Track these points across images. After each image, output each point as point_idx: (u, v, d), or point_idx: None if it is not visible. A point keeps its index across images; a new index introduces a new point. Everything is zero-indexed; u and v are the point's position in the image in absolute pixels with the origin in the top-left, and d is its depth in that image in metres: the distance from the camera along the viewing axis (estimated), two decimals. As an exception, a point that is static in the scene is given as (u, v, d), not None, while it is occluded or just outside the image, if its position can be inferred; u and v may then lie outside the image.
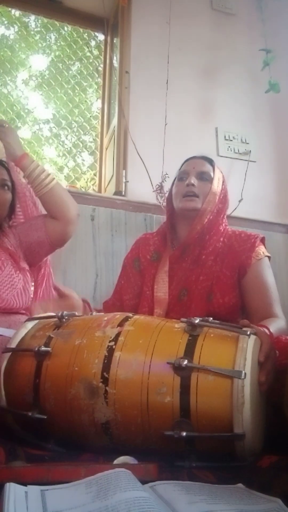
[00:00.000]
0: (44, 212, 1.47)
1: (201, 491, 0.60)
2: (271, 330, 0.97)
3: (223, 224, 1.34)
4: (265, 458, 0.73)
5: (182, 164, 1.40)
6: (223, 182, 1.37)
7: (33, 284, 1.42)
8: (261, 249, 1.28)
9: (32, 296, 1.42)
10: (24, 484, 0.56)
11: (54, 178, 1.41)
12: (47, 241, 1.43)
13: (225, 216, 1.36)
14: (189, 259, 1.29)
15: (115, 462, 0.68)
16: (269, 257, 1.30)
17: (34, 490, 0.55)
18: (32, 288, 1.44)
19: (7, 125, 1.43)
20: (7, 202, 1.42)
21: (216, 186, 1.33)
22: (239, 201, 2.29)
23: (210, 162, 1.38)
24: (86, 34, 3.17)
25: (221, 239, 1.31)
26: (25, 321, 0.95)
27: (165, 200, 2.04)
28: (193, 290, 1.26)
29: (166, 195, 1.52)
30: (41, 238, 1.41)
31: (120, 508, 0.48)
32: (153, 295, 1.30)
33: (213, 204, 1.31)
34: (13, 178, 1.45)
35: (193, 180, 1.31)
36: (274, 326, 1.06)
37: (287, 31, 2.71)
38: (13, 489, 0.54)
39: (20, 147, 1.43)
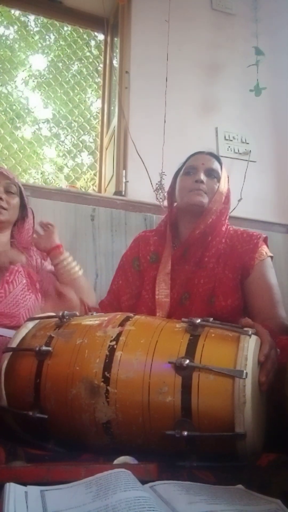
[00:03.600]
0: None
1: (201, 491, 0.60)
2: (273, 329, 0.96)
3: (226, 225, 1.31)
4: (264, 457, 0.73)
5: (188, 158, 1.36)
6: (228, 182, 1.34)
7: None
8: (264, 249, 1.26)
9: None
10: (24, 484, 0.56)
11: (80, 269, 1.48)
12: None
13: (228, 217, 1.34)
14: (192, 262, 1.26)
15: (115, 462, 0.68)
16: (271, 257, 1.28)
17: (34, 490, 0.55)
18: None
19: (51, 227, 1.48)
20: (15, 207, 1.42)
21: (223, 185, 1.30)
22: (239, 201, 2.29)
23: (218, 160, 1.35)
24: (86, 34, 3.17)
25: (223, 240, 1.28)
26: (25, 321, 0.94)
27: (164, 199, 2.05)
28: (195, 293, 1.23)
29: (166, 192, 1.49)
30: (50, 292, 1.42)
31: (120, 507, 0.48)
32: (154, 297, 1.27)
33: (219, 204, 1.27)
34: (21, 189, 1.46)
35: (202, 176, 1.27)
36: (276, 326, 1.06)
37: (280, 32, 2.71)
38: (13, 489, 0.54)
39: (56, 239, 1.48)
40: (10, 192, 1.39)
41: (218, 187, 1.28)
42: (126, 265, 1.40)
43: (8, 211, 1.38)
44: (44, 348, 0.81)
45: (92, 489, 0.54)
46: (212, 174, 1.30)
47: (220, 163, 1.34)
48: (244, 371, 0.71)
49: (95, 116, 3.12)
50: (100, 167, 2.64)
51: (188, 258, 1.28)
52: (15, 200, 1.41)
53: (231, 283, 1.22)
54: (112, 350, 0.78)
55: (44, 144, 3.54)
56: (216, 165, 1.32)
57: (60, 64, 3.39)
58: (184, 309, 1.23)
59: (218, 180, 1.29)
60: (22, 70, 3.59)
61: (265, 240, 1.30)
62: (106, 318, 0.87)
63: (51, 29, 3.41)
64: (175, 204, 1.36)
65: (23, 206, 1.46)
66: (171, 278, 1.27)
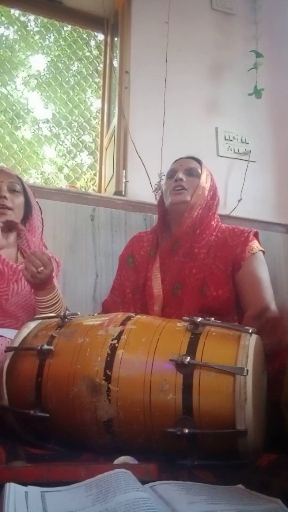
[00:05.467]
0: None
1: (201, 491, 0.60)
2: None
3: (215, 220, 1.37)
4: (264, 457, 0.73)
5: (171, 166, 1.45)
6: (211, 179, 1.41)
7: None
8: (255, 244, 1.30)
9: None
10: (24, 484, 0.56)
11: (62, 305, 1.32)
12: None
13: (217, 213, 1.39)
14: (181, 253, 1.31)
15: (115, 462, 0.68)
16: (263, 251, 1.31)
17: (34, 491, 0.55)
18: None
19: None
20: (20, 206, 1.39)
21: (205, 181, 1.37)
22: (239, 201, 2.30)
23: (198, 160, 1.43)
24: (86, 34, 3.17)
25: (214, 233, 1.33)
26: (27, 321, 0.95)
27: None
28: (187, 284, 1.27)
29: (157, 201, 1.55)
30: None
31: (119, 510, 0.48)
32: (150, 291, 1.31)
33: (202, 199, 1.33)
34: (25, 187, 1.43)
35: (181, 175, 1.35)
36: None
37: (280, 34, 2.71)
38: (13, 489, 0.54)
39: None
40: (14, 191, 1.36)
41: (198, 182, 1.35)
42: (122, 263, 1.47)
43: (13, 211, 1.35)
44: (45, 347, 0.81)
45: (92, 492, 0.54)
46: (191, 173, 1.37)
47: (200, 164, 1.42)
48: (245, 368, 0.71)
49: (95, 116, 3.12)
50: (100, 167, 2.64)
51: (177, 250, 1.32)
52: (20, 199, 1.39)
53: (222, 274, 1.25)
54: (113, 349, 0.78)
55: (44, 144, 3.54)
56: (194, 164, 1.41)
57: (60, 64, 3.39)
58: (177, 300, 1.26)
59: (198, 177, 1.37)
60: (22, 70, 3.59)
61: (256, 235, 1.34)
62: (107, 318, 0.87)
63: (51, 29, 3.40)
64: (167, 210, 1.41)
65: (27, 205, 1.43)
66: (162, 271, 1.32)
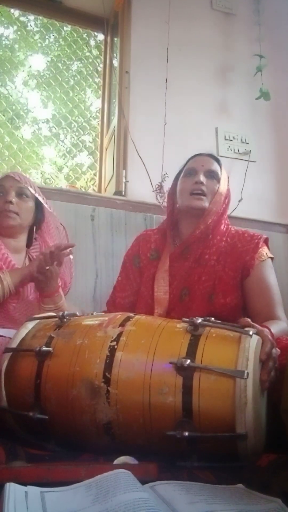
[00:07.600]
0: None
1: (201, 491, 0.60)
2: (272, 330, 0.96)
3: (225, 223, 1.33)
4: (264, 457, 0.73)
5: (188, 160, 1.37)
6: (227, 183, 1.35)
7: None
8: (265, 250, 1.27)
9: None
10: (24, 484, 0.56)
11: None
12: None
13: (226, 216, 1.36)
14: (191, 258, 1.28)
15: (115, 462, 0.68)
16: (271, 258, 1.29)
17: (34, 491, 0.55)
18: None
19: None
20: (29, 211, 1.39)
21: (223, 186, 1.31)
22: (239, 201, 2.29)
23: (218, 161, 1.36)
24: (86, 34, 3.17)
25: (224, 238, 1.30)
26: (25, 321, 0.94)
27: (164, 200, 2.05)
28: (195, 290, 1.25)
29: (167, 193, 1.51)
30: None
31: (119, 510, 0.48)
32: (153, 294, 1.29)
33: (219, 205, 1.29)
34: (36, 193, 1.42)
35: (202, 178, 1.29)
36: (276, 327, 1.06)
37: (283, 36, 2.71)
38: (13, 489, 0.54)
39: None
40: (22, 196, 1.36)
41: (218, 188, 1.30)
42: (128, 263, 1.41)
43: (20, 216, 1.35)
44: (44, 348, 0.81)
45: (91, 492, 0.55)
46: (212, 176, 1.31)
47: (220, 165, 1.35)
48: (246, 372, 0.71)
49: (95, 116, 3.12)
50: (100, 167, 2.64)
51: (187, 255, 1.29)
52: (28, 204, 1.38)
53: (232, 281, 1.24)
54: (112, 351, 0.78)
55: (44, 144, 3.54)
56: (215, 166, 1.33)
57: (60, 64, 3.38)
58: (184, 306, 1.24)
59: (218, 181, 1.31)
60: (22, 70, 3.59)
61: (266, 241, 1.31)
62: (106, 318, 0.87)
63: (51, 29, 3.40)
64: (177, 205, 1.37)
65: (39, 210, 1.43)
66: (170, 275, 1.29)
